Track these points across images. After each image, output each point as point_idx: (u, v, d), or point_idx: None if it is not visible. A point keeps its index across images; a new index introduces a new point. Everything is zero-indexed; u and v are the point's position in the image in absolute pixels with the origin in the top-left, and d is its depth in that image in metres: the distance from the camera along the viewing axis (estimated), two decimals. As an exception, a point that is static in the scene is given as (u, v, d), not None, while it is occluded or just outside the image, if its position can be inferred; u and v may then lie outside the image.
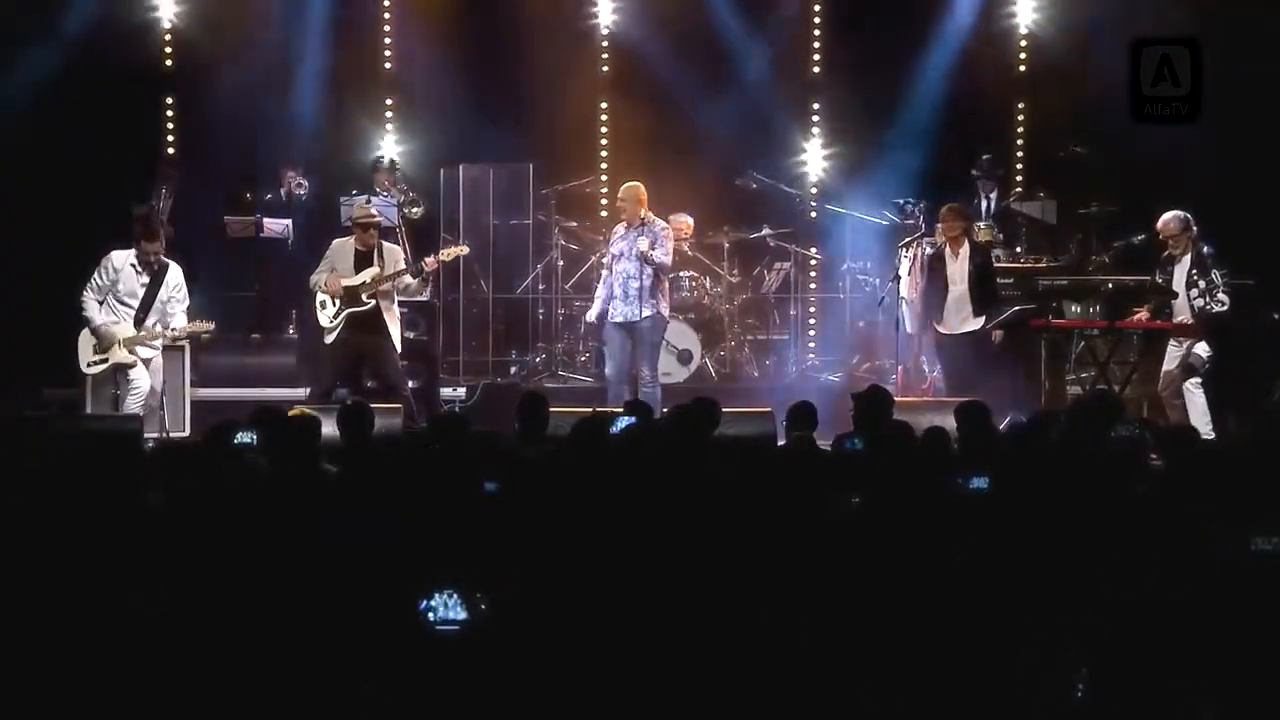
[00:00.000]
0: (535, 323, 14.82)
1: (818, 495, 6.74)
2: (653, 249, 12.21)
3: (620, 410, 9.66)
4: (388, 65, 15.83)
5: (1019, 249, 14.34)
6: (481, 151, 15.00)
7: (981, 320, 12.37)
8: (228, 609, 5.69)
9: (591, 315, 12.88)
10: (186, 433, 11.96)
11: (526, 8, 15.35)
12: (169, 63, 15.41)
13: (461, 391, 13.93)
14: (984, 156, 14.81)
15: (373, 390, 12.28)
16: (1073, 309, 12.48)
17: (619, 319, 12.42)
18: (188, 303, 12.14)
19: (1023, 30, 15.80)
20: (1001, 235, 14.24)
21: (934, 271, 12.62)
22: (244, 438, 7.75)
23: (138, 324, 11.95)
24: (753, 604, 5.76)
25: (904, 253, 13.24)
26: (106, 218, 13.55)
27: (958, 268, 12.48)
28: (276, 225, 14.51)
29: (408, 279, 12.42)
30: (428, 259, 12.63)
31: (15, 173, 14.09)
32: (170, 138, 15.46)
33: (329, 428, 8.24)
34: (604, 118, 15.82)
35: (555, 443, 8.31)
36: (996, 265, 13.27)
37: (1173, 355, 12.02)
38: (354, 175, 14.79)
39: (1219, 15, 13.07)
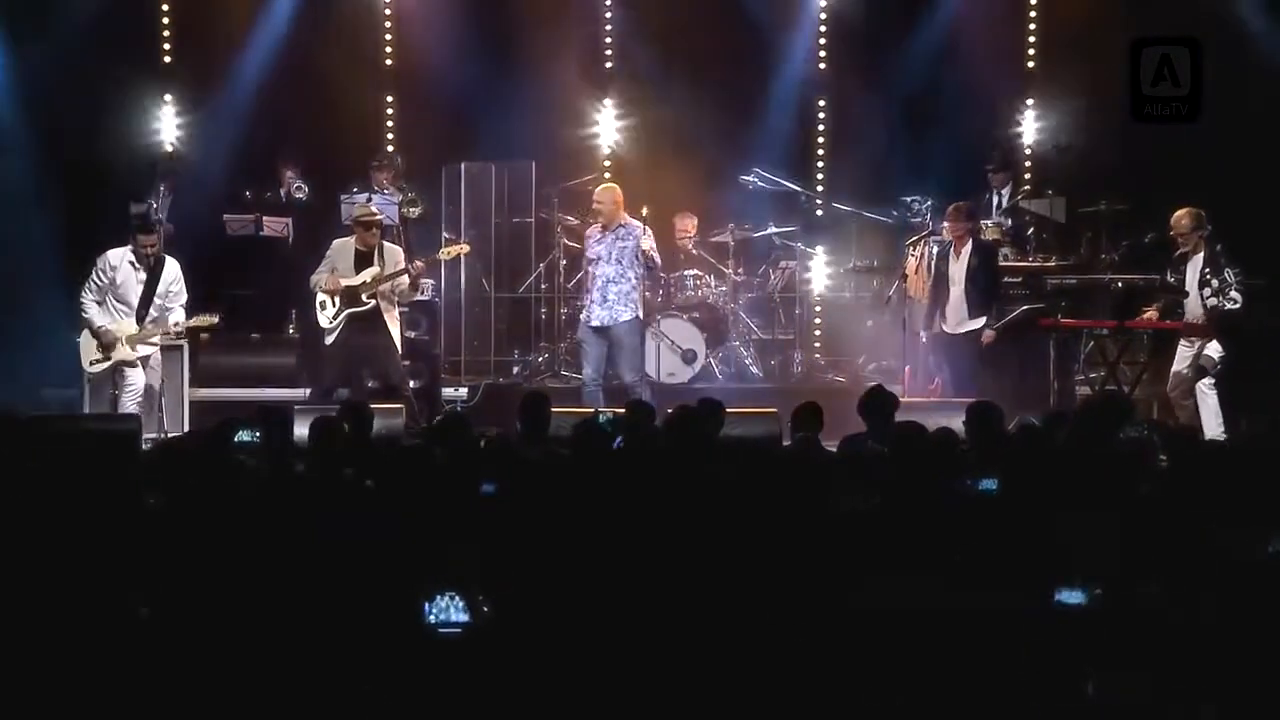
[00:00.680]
0: (537, 322, 14.75)
1: (823, 497, 6.70)
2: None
3: (596, 410, 9.69)
4: (388, 62, 15.76)
5: (1028, 247, 14.25)
6: (483, 149, 14.93)
7: (981, 320, 12.33)
8: (227, 609, 5.68)
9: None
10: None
11: (528, 4, 15.27)
12: (168, 60, 15.37)
13: (463, 391, 13.89)
14: (995, 150, 14.73)
15: (374, 390, 12.21)
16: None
17: (595, 323, 12.33)
18: (186, 298, 12.10)
19: (1031, 27, 15.73)
20: (1012, 231, 14.14)
21: (938, 271, 12.62)
22: (244, 436, 7.72)
23: (139, 320, 11.92)
24: (756, 605, 5.74)
25: (910, 251, 13.17)
26: (106, 217, 13.51)
27: (959, 267, 12.46)
28: (276, 224, 14.46)
29: (405, 280, 12.33)
30: (417, 261, 12.56)
31: (15, 172, 14.03)
32: (170, 137, 15.40)
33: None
34: (605, 115, 15.72)
35: (557, 443, 8.30)
36: (1005, 264, 13.24)
37: (1184, 355, 11.94)
38: (354, 174, 14.71)
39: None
